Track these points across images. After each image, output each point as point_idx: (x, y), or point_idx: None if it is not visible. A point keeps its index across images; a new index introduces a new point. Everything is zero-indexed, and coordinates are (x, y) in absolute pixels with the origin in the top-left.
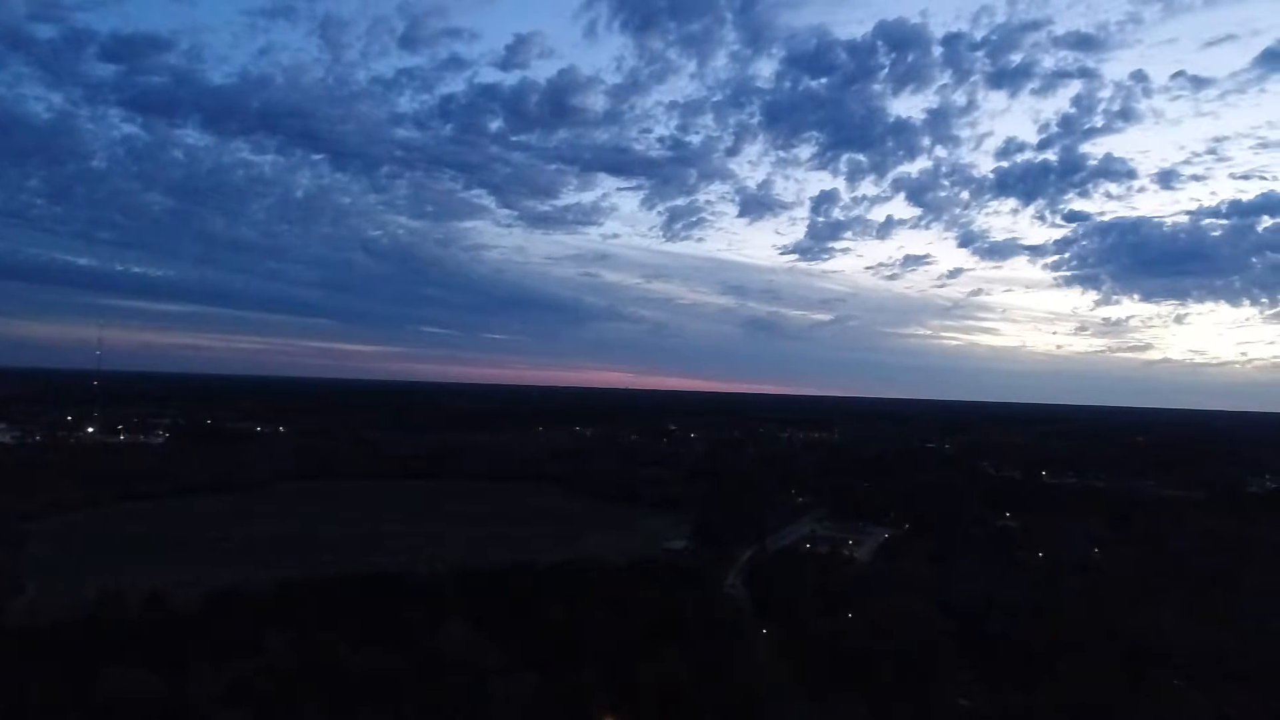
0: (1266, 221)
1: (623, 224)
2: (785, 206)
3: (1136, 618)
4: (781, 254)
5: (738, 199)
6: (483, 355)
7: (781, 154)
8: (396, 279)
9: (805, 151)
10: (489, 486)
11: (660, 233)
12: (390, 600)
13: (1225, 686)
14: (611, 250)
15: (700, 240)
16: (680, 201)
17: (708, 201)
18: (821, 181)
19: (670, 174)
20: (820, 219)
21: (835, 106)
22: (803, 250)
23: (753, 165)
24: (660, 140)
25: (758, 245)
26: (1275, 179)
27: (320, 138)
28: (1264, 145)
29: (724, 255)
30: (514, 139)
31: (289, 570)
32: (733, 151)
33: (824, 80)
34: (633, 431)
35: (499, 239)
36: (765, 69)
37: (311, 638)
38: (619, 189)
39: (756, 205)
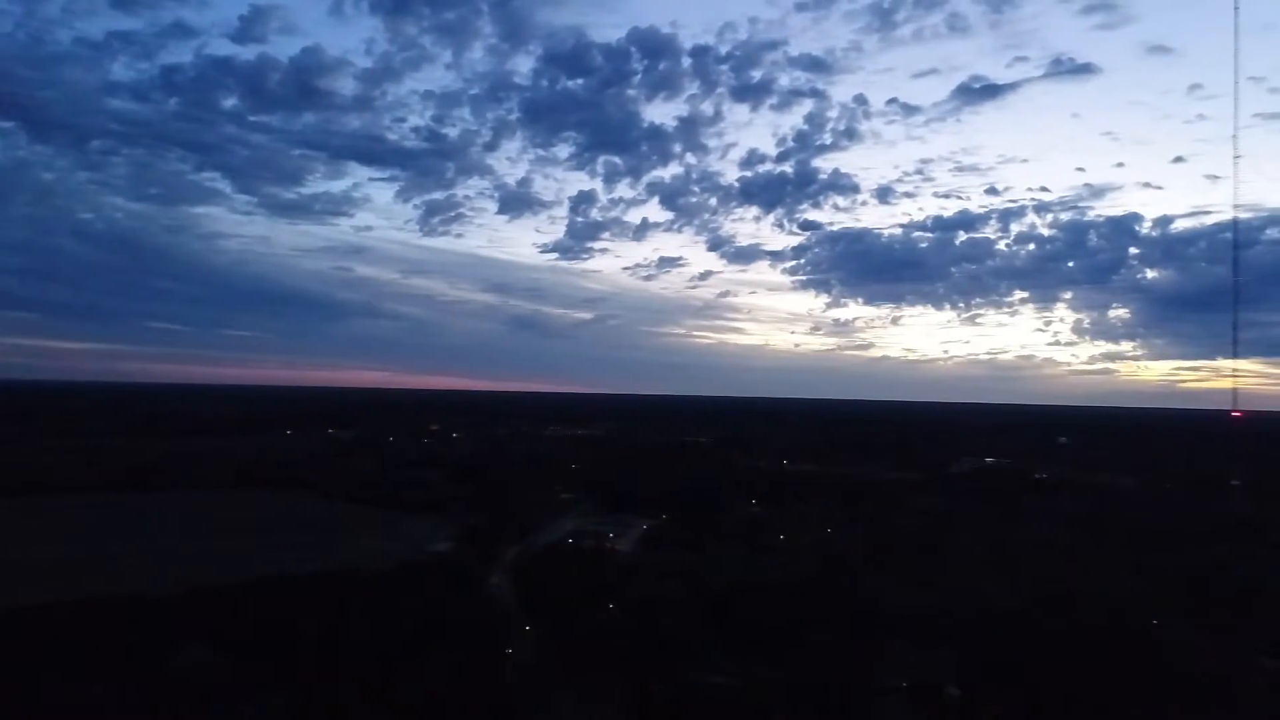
0: (962, 236)
1: (377, 216)
2: (545, 205)
3: (865, 588)
4: (543, 252)
5: (497, 195)
6: (223, 354)
7: (541, 152)
8: (116, 268)
9: (564, 151)
10: (232, 495)
11: (418, 227)
12: (116, 627)
13: (934, 644)
14: (366, 243)
15: (460, 236)
16: (438, 195)
17: (467, 197)
18: (580, 182)
19: (427, 166)
20: (579, 219)
21: (593, 108)
22: (563, 249)
23: (512, 162)
24: (415, 130)
25: (519, 243)
26: (969, 199)
27: (13, 103)
28: (961, 169)
29: (485, 252)
30: (253, 119)
31: None
32: (491, 147)
33: (581, 81)
34: (393, 432)
35: (238, 227)
36: (524, 65)
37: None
38: (372, 179)
39: (516, 203)
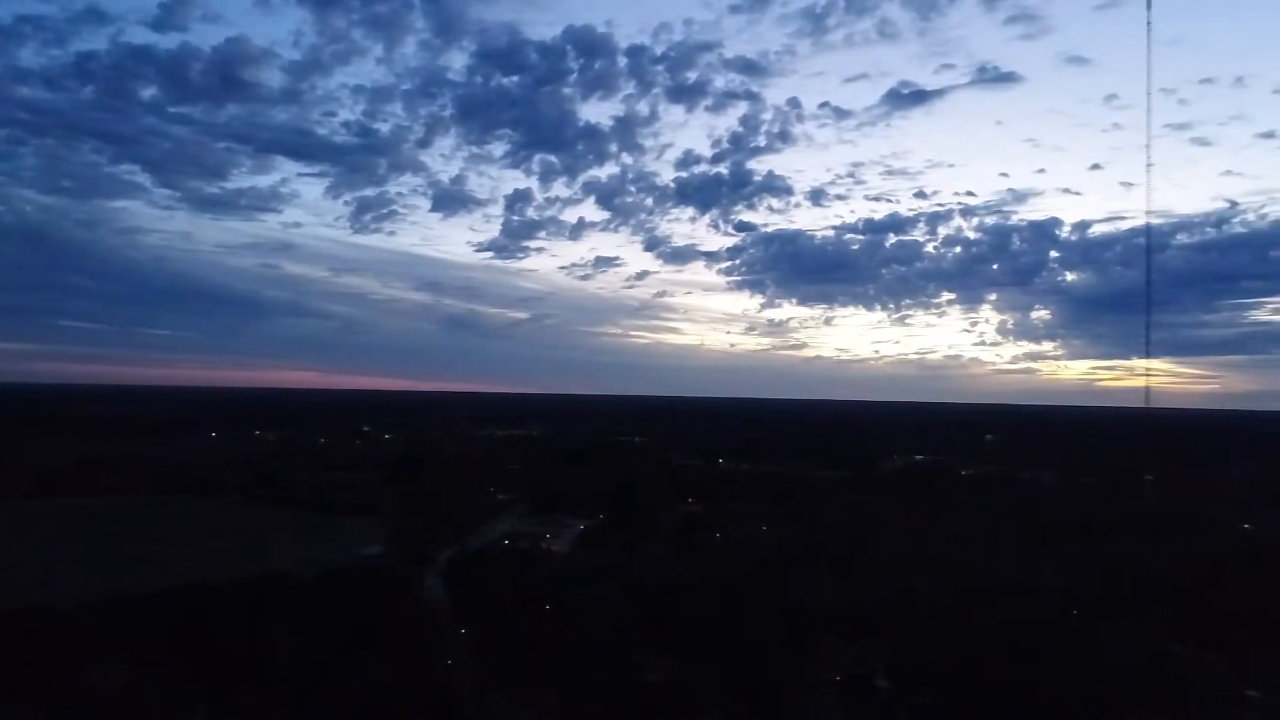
0: (892, 238)
1: (306, 212)
2: (480, 203)
3: (797, 584)
4: (477, 251)
5: (431, 193)
6: (144, 354)
7: (475, 150)
8: (24, 264)
9: (499, 149)
10: (152, 501)
11: (348, 224)
12: (21, 641)
13: (864, 638)
14: (295, 240)
15: (392, 234)
16: (369, 192)
17: (399, 194)
18: (515, 180)
19: (358, 162)
20: (515, 218)
21: (528, 106)
22: (498, 248)
23: (445, 159)
24: (346, 125)
25: (453, 241)
26: (899, 202)
27: None
28: (890, 172)
29: (418, 250)
30: (174, 110)
31: None
32: (424, 143)
33: (516, 78)
34: (322, 434)
35: (159, 222)
36: (457, 61)
37: None
38: (300, 174)
39: (450, 200)
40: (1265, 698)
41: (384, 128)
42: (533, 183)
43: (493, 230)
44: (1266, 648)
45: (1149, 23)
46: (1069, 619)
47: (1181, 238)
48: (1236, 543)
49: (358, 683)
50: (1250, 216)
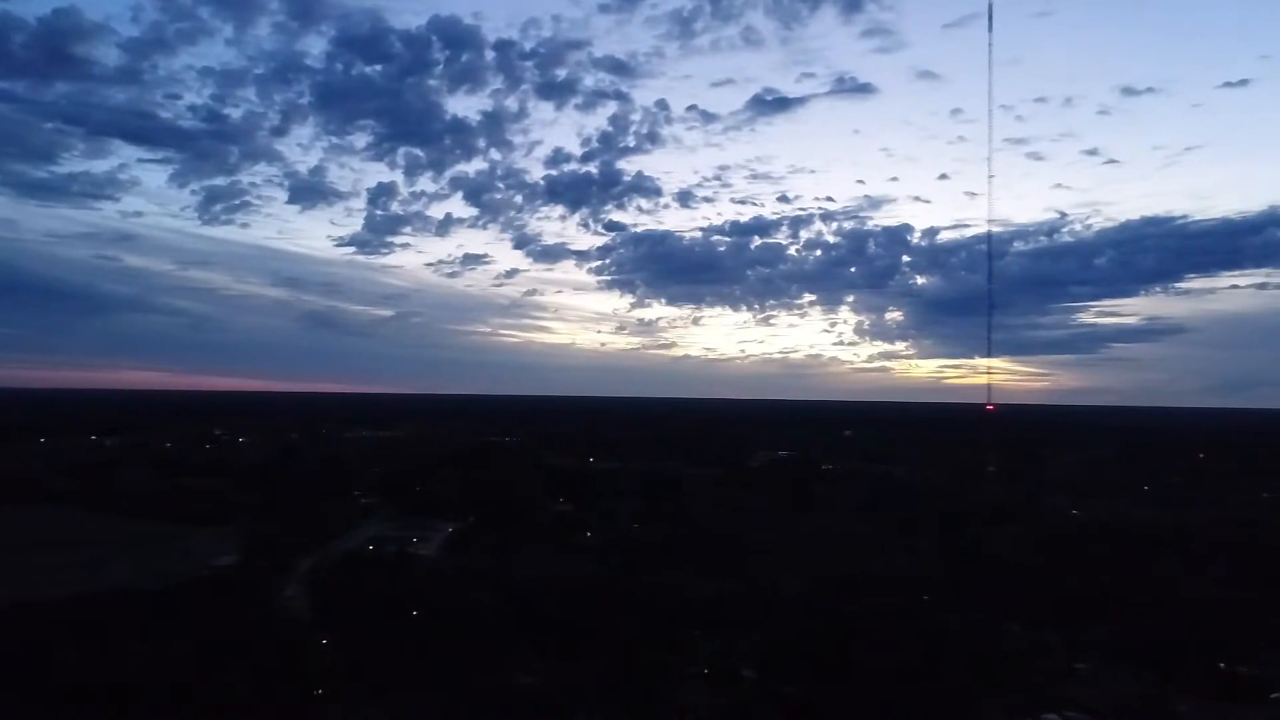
0: (757, 241)
1: (149, 201)
2: (341, 196)
3: (668, 580)
4: (339, 246)
5: (288, 184)
6: None
7: (335, 140)
8: None
9: (361, 140)
10: None
11: (197, 214)
12: None
13: (732, 630)
14: (136, 231)
15: (246, 226)
16: (220, 181)
17: (253, 184)
18: (379, 173)
19: (206, 149)
20: (379, 212)
21: (392, 97)
22: (361, 243)
23: (304, 149)
24: (192, 109)
25: (312, 235)
26: (763, 205)
27: None
28: (755, 176)
29: (274, 244)
30: None
31: None
32: (280, 132)
33: (379, 68)
34: (170, 438)
35: None
36: (315, 46)
37: None
38: (141, 160)
39: (309, 193)
40: (1092, 669)
41: (235, 113)
42: (397, 176)
43: (355, 224)
44: (1093, 624)
45: (990, 45)
46: (921, 604)
47: (1018, 245)
48: (1068, 528)
49: (212, 701)
50: (1078, 227)
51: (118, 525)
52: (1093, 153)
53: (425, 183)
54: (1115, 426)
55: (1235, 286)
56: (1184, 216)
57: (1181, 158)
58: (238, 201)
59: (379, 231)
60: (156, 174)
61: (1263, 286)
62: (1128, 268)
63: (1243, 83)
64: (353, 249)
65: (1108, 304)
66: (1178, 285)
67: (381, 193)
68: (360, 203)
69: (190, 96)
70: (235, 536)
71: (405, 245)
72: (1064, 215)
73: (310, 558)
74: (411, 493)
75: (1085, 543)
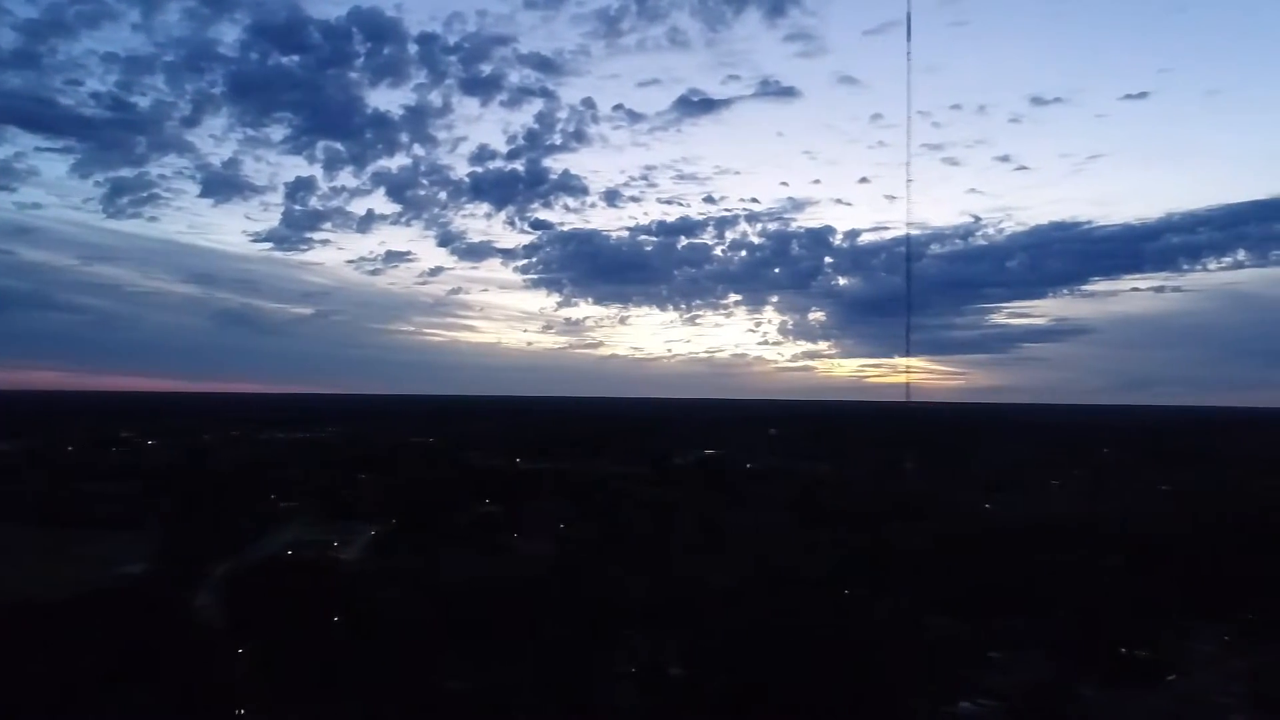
0: (684, 241)
1: (48, 192)
2: (257, 190)
3: (596, 580)
4: (255, 241)
5: (200, 177)
6: None
7: (251, 132)
8: None
9: (278, 133)
10: None
11: (101, 207)
12: None
13: (661, 629)
14: (34, 223)
15: (155, 220)
16: (126, 172)
17: (162, 176)
18: (297, 167)
19: (111, 138)
20: (297, 207)
21: (310, 89)
22: (279, 239)
23: (217, 141)
24: (95, 97)
25: (227, 230)
26: (690, 206)
27: None
28: (682, 177)
29: (186, 239)
30: None
31: None
32: (191, 122)
33: (297, 58)
34: (71, 441)
35: None
36: (229, 35)
37: None
38: (39, 149)
39: (223, 186)
40: (1004, 657)
41: (143, 102)
42: (316, 171)
43: (272, 220)
44: (1004, 614)
45: (909, 53)
46: (844, 599)
47: (935, 248)
48: (980, 523)
49: (124, 718)
50: (991, 231)
51: (12, 533)
52: (1005, 159)
53: (346, 178)
54: (1026, 423)
55: (1136, 289)
56: (1089, 222)
57: (1086, 165)
58: (145, 194)
59: (297, 227)
60: (57, 164)
61: (1160, 290)
62: (1037, 270)
63: (1143, 95)
64: (270, 245)
65: (1019, 305)
66: (1083, 288)
67: (300, 187)
68: (277, 197)
69: (93, 83)
70: (143, 543)
71: (325, 242)
72: (978, 219)
73: (225, 564)
74: (332, 495)
75: (997, 536)
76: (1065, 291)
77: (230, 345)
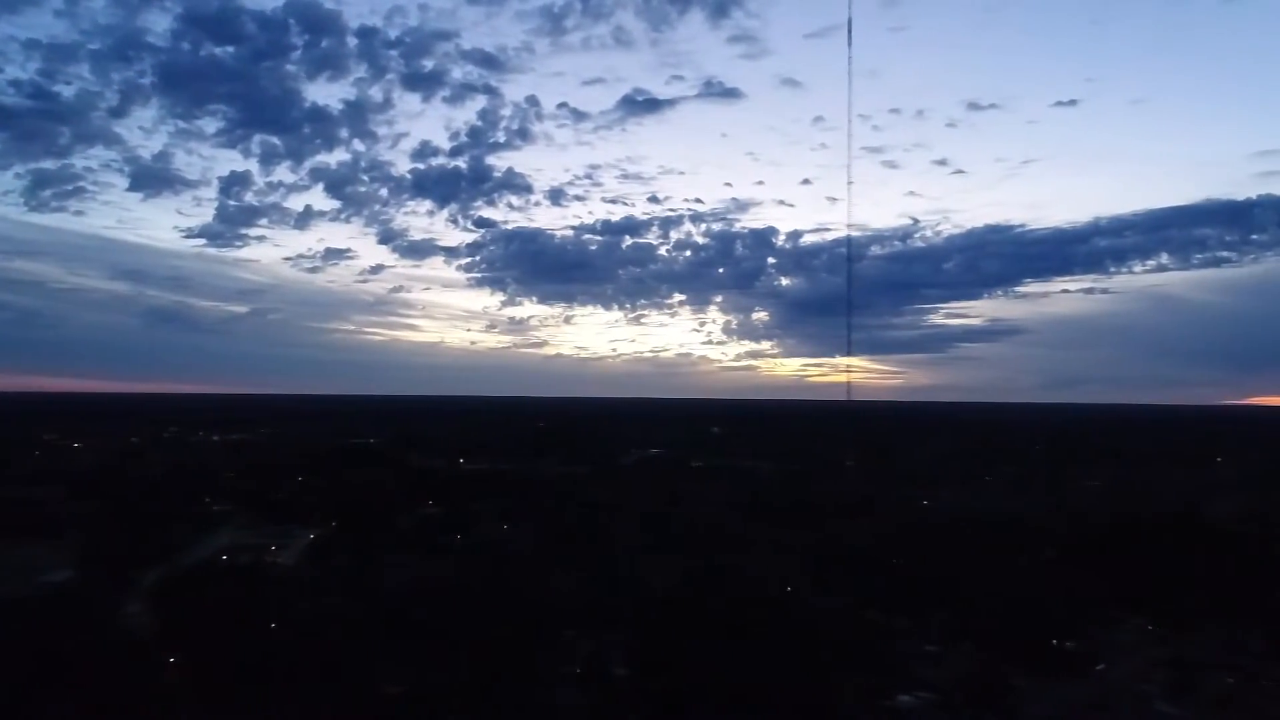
0: (628, 240)
1: None
2: (190, 184)
3: (538, 581)
4: (187, 238)
5: (128, 170)
6: None
7: (183, 124)
8: None
9: (211, 125)
10: None
11: (22, 200)
12: None
13: (604, 629)
14: None
15: (80, 214)
16: (49, 164)
17: (88, 169)
18: (232, 161)
19: (33, 129)
20: (232, 202)
21: (245, 81)
22: (213, 235)
23: (146, 133)
24: (15, 85)
25: (157, 225)
26: (634, 205)
27: None
28: (626, 176)
29: (113, 234)
30: None
31: None
32: (119, 113)
33: (231, 49)
34: None
35: None
36: (159, 23)
37: None
38: None
39: (153, 179)
40: (942, 650)
41: (66, 91)
42: (252, 165)
43: (205, 215)
44: (940, 608)
45: (850, 57)
46: (785, 595)
47: (875, 249)
48: (917, 518)
49: None
50: (928, 233)
51: None
52: (942, 163)
53: (283, 173)
54: (962, 421)
55: (1066, 291)
56: (1022, 225)
57: (1020, 170)
58: (71, 187)
59: (232, 223)
60: None
61: (1089, 291)
62: (973, 272)
63: (1072, 103)
64: (203, 241)
65: (955, 306)
66: (1016, 289)
67: (235, 182)
68: (211, 192)
69: (13, 70)
70: (68, 550)
71: (261, 238)
72: (916, 221)
73: (155, 570)
74: (268, 499)
75: (933, 531)
76: (1000, 293)
77: (161, 344)
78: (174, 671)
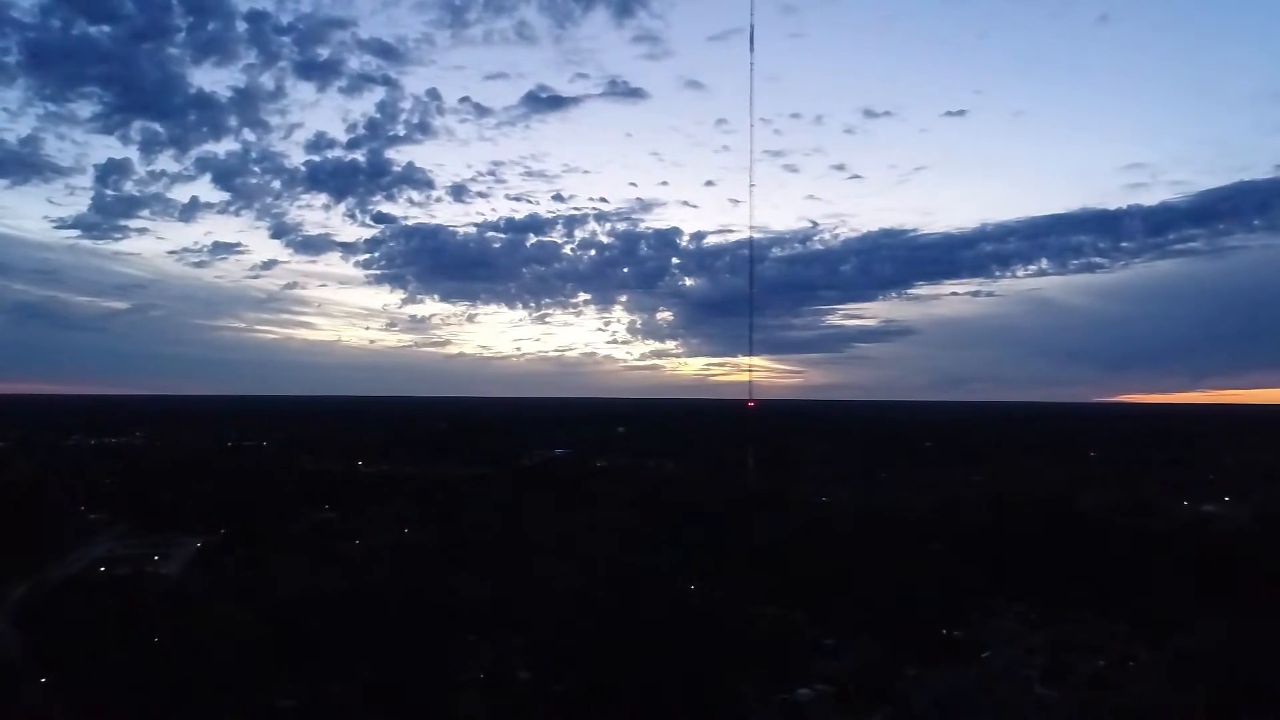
0: (533, 239)
1: None
2: (61, 172)
3: (439, 585)
4: (59, 228)
5: None
6: None
7: (53, 107)
8: None
9: (85, 109)
10: None
11: None
12: None
13: (508, 633)
14: None
15: None
16: None
17: None
18: (109, 148)
19: None
20: (109, 192)
21: (123, 63)
22: (88, 226)
23: (12, 115)
24: None
25: (24, 215)
26: (539, 203)
27: None
28: (530, 174)
29: None
30: None
31: None
32: None
33: (107, 29)
34: None
35: None
36: None
37: None
38: None
39: (19, 165)
40: (839, 643)
41: None
42: (131, 153)
43: (79, 205)
44: (836, 601)
45: (751, 64)
46: (689, 593)
47: (776, 251)
48: (816, 515)
49: None
50: (826, 236)
51: None
52: (840, 168)
53: (166, 162)
54: (857, 419)
55: (955, 294)
56: (914, 230)
57: (911, 177)
58: None
59: (109, 214)
60: None
61: (976, 294)
62: (868, 274)
63: (961, 113)
64: (77, 232)
65: (851, 307)
66: (909, 291)
67: (112, 170)
68: (86, 180)
69: None
70: None
71: (142, 230)
72: (815, 224)
73: (23, 585)
74: (150, 505)
75: (830, 527)
76: (893, 294)
77: (28, 342)
78: (45, 694)
